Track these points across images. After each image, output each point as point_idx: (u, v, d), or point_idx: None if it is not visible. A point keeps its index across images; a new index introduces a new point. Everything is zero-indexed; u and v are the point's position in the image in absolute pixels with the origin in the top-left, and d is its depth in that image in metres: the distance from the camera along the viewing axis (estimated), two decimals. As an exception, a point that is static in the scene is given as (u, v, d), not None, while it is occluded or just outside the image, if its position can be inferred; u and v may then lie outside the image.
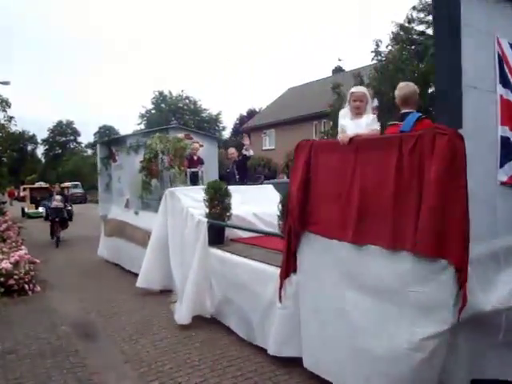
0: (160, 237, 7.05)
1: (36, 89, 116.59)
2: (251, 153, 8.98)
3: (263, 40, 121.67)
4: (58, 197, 14.19)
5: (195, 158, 8.96)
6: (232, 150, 9.33)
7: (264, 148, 30.54)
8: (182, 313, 5.69)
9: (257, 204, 6.82)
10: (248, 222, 6.50)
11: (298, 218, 4.02)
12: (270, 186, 8.30)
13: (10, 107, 17.18)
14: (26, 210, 25.93)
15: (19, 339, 5.36)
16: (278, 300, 4.36)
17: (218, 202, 6.07)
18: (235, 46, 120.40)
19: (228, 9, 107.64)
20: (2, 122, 17.20)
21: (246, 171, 9.64)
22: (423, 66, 12.73)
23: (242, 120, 45.18)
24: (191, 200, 6.57)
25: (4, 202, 23.38)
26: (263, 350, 4.71)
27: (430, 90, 13.51)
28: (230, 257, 5.51)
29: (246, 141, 9.14)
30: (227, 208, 6.13)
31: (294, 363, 4.34)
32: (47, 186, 26.22)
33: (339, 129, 3.98)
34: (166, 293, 6.88)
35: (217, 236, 6.04)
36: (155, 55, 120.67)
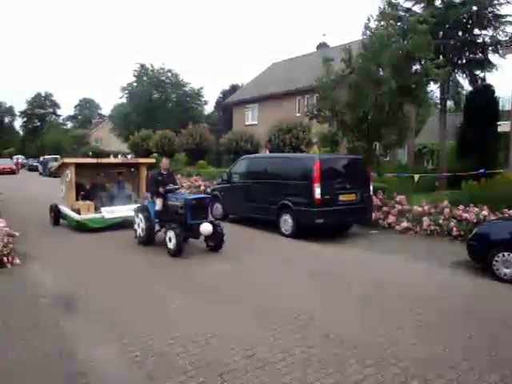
0: None
1: (14, 59, 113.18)
2: None
3: (249, 15, 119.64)
4: None
5: None
6: None
7: (247, 123, 30.27)
8: None
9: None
10: None
11: None
12: None
13: None
14: (67, 212, 11.12)
15: (-3, 311, 5.29)
16: None
17: None
18: (220, 20, 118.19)
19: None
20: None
21: None
22: (407, 44, 12.67)
23: (226, 94, 44.61)
24: None
25: None
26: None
27: (413, 68, 13.51)
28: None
29: None
30: None
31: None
32: (126, 158, 13.08)
33: None
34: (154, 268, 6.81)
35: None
36: (137, 28, 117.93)
